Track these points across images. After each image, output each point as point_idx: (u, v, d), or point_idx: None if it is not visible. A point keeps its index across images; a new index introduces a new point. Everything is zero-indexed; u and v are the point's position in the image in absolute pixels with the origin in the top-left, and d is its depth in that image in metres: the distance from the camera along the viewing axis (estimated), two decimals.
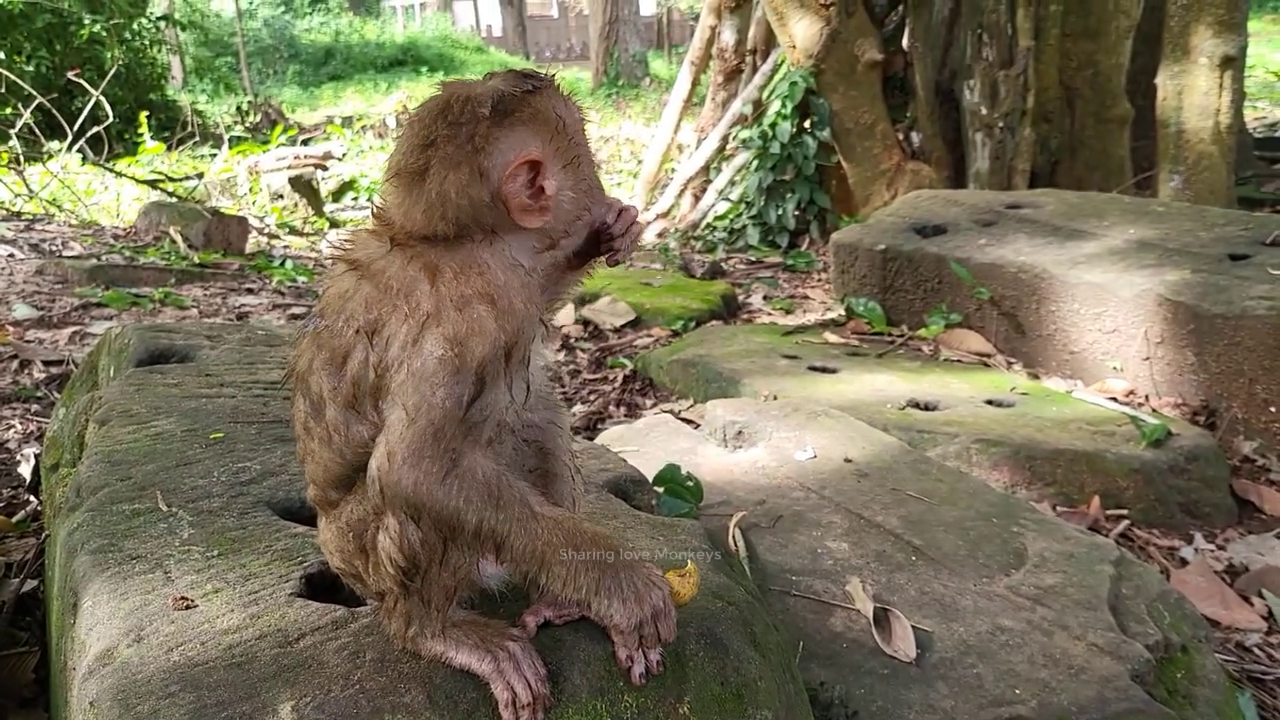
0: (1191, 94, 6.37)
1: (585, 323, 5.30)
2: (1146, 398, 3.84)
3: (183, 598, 1.44)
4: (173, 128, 13.43)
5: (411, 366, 1.19)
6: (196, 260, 6.42)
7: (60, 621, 1.63)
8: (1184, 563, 2.90)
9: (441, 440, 1.18)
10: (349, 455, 1.26)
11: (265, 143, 12.71)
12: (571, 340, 5.04)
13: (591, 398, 4.24)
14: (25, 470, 2.99)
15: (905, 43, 7.92)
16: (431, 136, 1.23)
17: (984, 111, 7.15)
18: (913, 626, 1.99)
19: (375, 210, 1.30)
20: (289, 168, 10.43)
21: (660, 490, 2.35)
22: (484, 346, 1.19)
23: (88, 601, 1.48)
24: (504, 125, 1.23)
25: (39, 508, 2.74)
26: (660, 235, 8.75)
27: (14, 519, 2.70)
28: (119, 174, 9.30)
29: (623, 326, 5.26)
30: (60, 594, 1.66)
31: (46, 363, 4.03)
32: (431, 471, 1.18)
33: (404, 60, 27.73)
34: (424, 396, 1.18)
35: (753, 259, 7.51)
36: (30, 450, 3.10)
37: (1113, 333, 3.99)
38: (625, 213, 1.41)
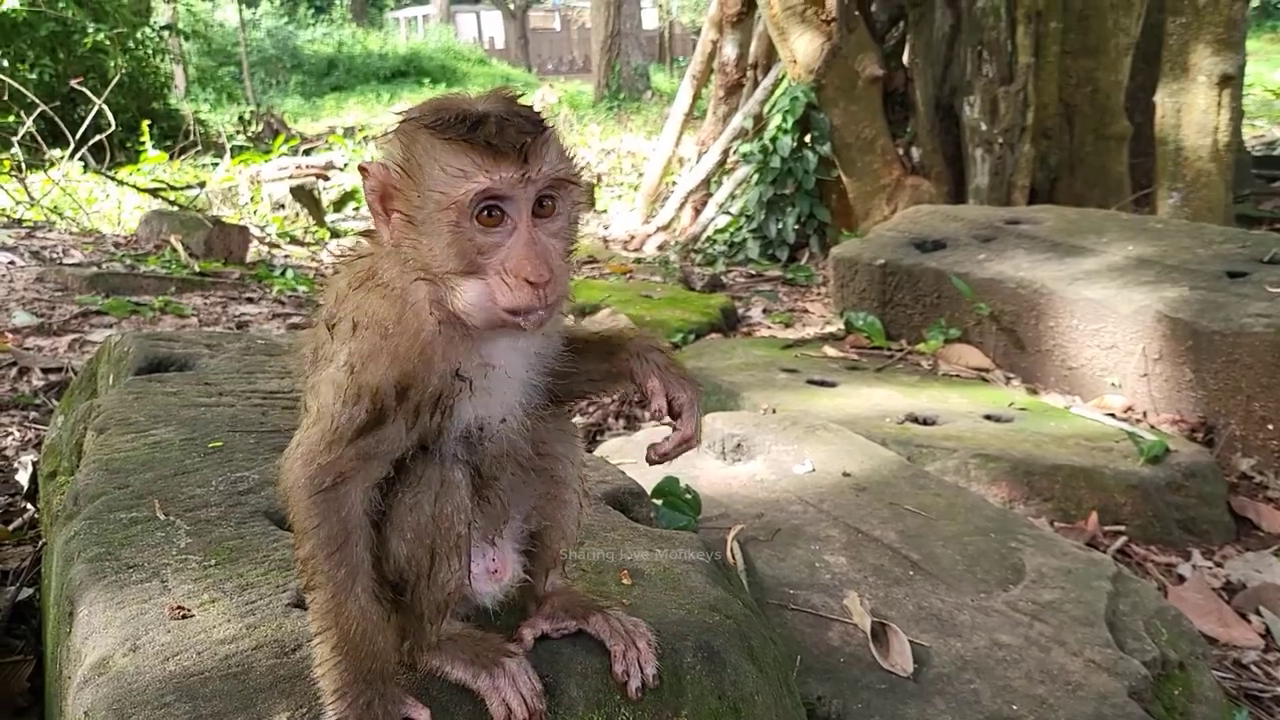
0: (1190, 112, 6.40)
1: None
2: (1145, 414, 3.84)
3: (179, 607, 1.44)
4: (175, 137, 13.45)
5: (326, 371, 1.22)
6: (197, 269, 6.43)
7: (56, 630, 1.63)
8: (1182, 579, 2.90)
9: (334, 451, 1.18)
10: None
11: (267, 152, 12.72)
12: None
13: (590, 410, 4.24)
14: (23, 478, 2.98)
15: (906, 59, 7.96)
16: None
17: (984, 128, 7.18)
18: (910, 641, 1.99)
19: None
20: (290, 177, 10.45)
21: (659, 503, 2.34)
22: (375, 375, 1.18)
23: (84, 610, 1.47)
24: (424, 136, 1.15)
25: (36, 515, 2.73)
26: (661, 248, 8.76)
27: (11, 526, 2.70)
28: (120, 182, 9.31)
29: None
30: (57, 602, 1.66)
31: (45, 370, 4.03)
32: (312, 479, 1.19)
33: (406, 71, 27.87)
34: (327, 402, 1.20)
35: (752, 272, 7.53)
36: (28, 458, 3.10)
37: (1111, 349, 4.00)
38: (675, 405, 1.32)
